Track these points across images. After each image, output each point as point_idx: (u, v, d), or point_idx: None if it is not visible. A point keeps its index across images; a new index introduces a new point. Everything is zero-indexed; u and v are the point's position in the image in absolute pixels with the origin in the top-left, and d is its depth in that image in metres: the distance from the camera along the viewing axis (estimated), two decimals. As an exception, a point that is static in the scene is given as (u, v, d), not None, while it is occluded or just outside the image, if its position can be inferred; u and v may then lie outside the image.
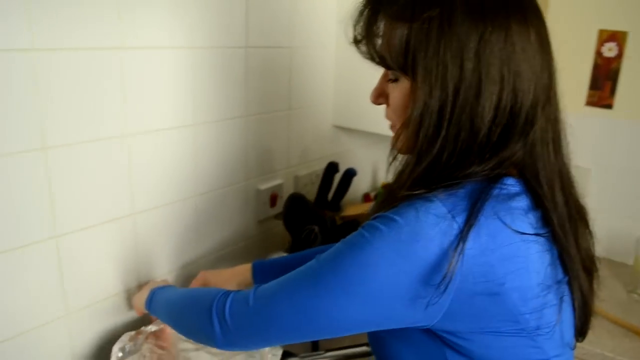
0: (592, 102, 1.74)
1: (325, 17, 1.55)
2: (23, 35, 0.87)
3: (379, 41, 0.73)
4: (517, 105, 0.68)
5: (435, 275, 0.65)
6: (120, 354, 1.02)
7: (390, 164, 0.78)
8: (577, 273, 0.76)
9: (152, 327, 1.13)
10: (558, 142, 0.75)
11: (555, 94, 0.74)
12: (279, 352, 1.06)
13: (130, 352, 1.05)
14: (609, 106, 1.72)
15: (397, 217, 0.66)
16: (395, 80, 0.74)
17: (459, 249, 0.64)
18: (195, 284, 1.14)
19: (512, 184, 0.71)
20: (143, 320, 1.18)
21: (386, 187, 1.71)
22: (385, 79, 0.78)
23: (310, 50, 1.53)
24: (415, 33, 0.68)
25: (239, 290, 0.81)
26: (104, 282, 1.11)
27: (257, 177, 1.44)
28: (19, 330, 0.97)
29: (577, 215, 0.78)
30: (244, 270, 1.14)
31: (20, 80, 0.88)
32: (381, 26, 0.73)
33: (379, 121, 1.57)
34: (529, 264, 0.69)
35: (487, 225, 0.66)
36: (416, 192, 0.68)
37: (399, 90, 0.74)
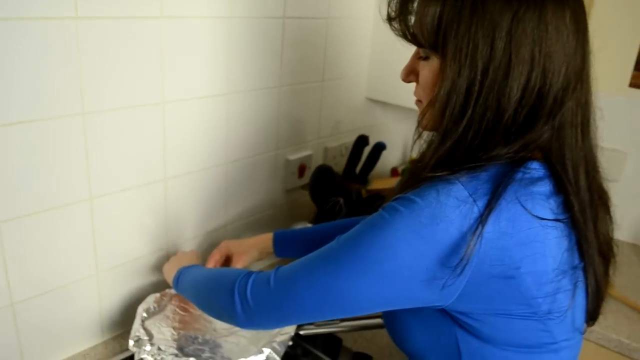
0: (636, 83, 1.69)
1: (364, -12, 1.53)
2: (67, 4, 0.89)
3: (412, 19, 0.74)
4: (545, 87, 0.68)
5: (453, 258, 0.65)
6: (145, 315, 1.07)
7: (415, 141, 0.78)
8: (593, 259, 0.76)
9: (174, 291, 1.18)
10: (587, 125, 0.74)
11: (587, 77, 0.73)
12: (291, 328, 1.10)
13: (155, 313, 1.10)
14: (635, 84, 1.66)
15: (417, 199, 0.67)
16: (426, 58, 0.74)
17: (477, 232, 0.64)
18: (217, 254, 1.16)
19: (536, 168, 0.71)
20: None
21: (413, 163, 1.71)
22: (416, 57, 0.78)
23: (347, 21, 1.52)
24: (448, 11, 0.68)
25: (260, 271, 0.83)
26: (133, 244, 1.15)
27: (287, 147, 1.46)
28: (53, 285, 1.03)
29: (599, 200, 0.78)
30: (265, 239, 1.16)
31: (63, 48, 0.91)
32: (415, 4, 0.73)
33: (412, 96, 1.56)
34: (546, 250, 0.69)
35: (507, 210, 0.66)
36: (438, 174, 0.68)
37: (428, 69, 0.73)
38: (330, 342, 1.18)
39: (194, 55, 1.13)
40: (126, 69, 1.01)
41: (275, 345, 1.01)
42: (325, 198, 1.39)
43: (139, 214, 1.14)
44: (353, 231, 0.73)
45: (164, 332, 1.04)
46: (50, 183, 0.96)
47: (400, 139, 1.94)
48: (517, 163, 0.69)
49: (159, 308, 1.11)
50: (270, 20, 1.27)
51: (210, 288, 0.90)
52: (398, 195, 0.70)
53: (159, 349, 0.97)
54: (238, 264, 1.15)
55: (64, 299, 1.06)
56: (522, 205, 0.67)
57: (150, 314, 1.09)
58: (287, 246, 1.17)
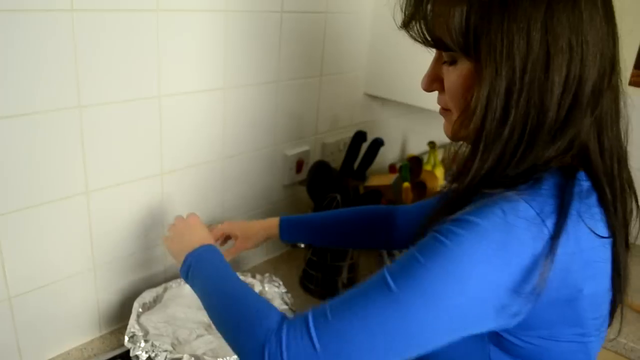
0: (636, 81, 1.68)
1: (363, -17, 1.53)
2: (62, -4, 0.89)
3: (433, 22, 0.67)
4: (585, 76, 0.64)
5: (526, 284, 0.61)
6: (140, 310, 1.07)
7: (453, 158, 0.72)
8: (621, 254, 0.71)
9: (172, 284, 1.18)
10: (618, 113, 0.71)
11: (618, 63, 0.69)
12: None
13: (150, 307, 1.10)
14: (635, 83, 1.66)
15: (480, 221, 0.61)
16: (453, 62, 0.69)
17: (550, 255, 0.60)
18: (216, 234, 1.13)
19: (584, 179, 0.68)
20: (165, 277, 1.23)
21: (412, 159, 1.71)
22: (438, 63, 0.72)
23: (345, 16, 1.51)
24: (476, 9, 0.63)
25: (291, 320, 0.69)
26: (130, 239, 1.15)
27: (285, 143, 1.46)
28: (51, 279, 1.03)
29: (629, 190, 0.74)
30: (272, 224, 1.14)
31: (59, 40, 0.90)
32: (434, 6, 0.67)
33: (411, 91, 1.57)
34: (605, 268, 0.67)
35: (573, 229, 0.63)
36: (497, 191, 0.63)
37: (457, 74, 0.68)
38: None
39: (190, 49, 1.12)
40: (122, 62, 1.01)
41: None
42: (323, 194, 1.39)
43: (136, 208, 1.14)
44: (408, 263, 0.64)
45: (159, 327, 1.04)
46: (46, 177, 0.96)
47: (399, 135, 1.93)
48: (569, 173, 0.66)
49: (155, 302, 1.11)
50: (268, 14, 1.26)
51: (231, 317, 0.77)
52: (454, 217, 0.64)
53: (154, 345, 0.97)
54: (242, 247, 1.14)
55: (61, 293, 1.05)
56: (584, 223, 0.64)
57: (146, 308, 1.09)
58: (293, 231, 1.16)
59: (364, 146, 1.55)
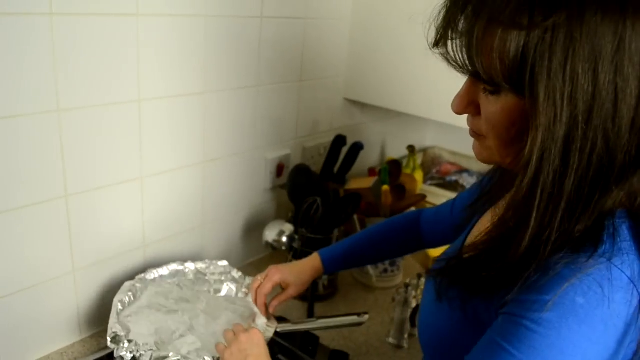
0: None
1: (342, -10, 1.55)
2: (42, 0, 0.89)
3: (479, 48, 0.58)
4: None
5: (621, 352, 0.58)
6: (120, 307, 1.07)
7: (491, 178, 0.69)
8: None
9: (152, 274, 1.18)
10: None
11: None
12: (274, 324, 1.10)
13: (131, 304, 1.09)
14: None
15: (577, 298, 0.55)
16: (495, 92, 0.60)
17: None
18: (269, 285, 1.12)
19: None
20: (144, 269, 1.23)
21: (391, 163, 1.73)
22: (475, 86, 0.64)
23: (325, 22, 1.53)
24: (535, 43, 0.54)
25: None
26: (110, 242, 1.15)
27: (265, 147, 1.47)
28: (30, 283, 1.03)
29: None
30: (315, 263, 1.14)
31: (37, 43, 0.91)
32: (485, 29, 0.57)
33: (390, 96, 1.59)
34: None
35: None
36: (578, 259, 0.57)
37: (500, 106, 0.60)
38: (307, 340, 1.19)
39: (170, 54, 1.13)
40: (102, 66, 1.01)
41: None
42: (303, 197, 1.40)
43: (116, 211, 1.14)
44: (495, 356, 0.59)
45: (141, 325, 1.04)
46: (25, 180, 0.96)
47: (378, 140, 1.96)
48: (634, 216, 0.62)
49: (135, 297, 1.11)
50: (247, 19, 1.28)
51: None
52: (535, 297, 0.57)
53: (137, 344, 0.97)
54: (295, 294, 1.15)
55: (40, 297, 1.05)
56: None
57: (126, 305, 1.08)
58: (335, 264, 1.17)
59: (344, 150, 1.57)
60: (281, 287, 1.14)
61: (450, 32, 0.60)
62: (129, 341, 0.98)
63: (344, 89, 1.69)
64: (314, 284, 1.38)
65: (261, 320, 1.09)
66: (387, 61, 1.55)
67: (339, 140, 1.54)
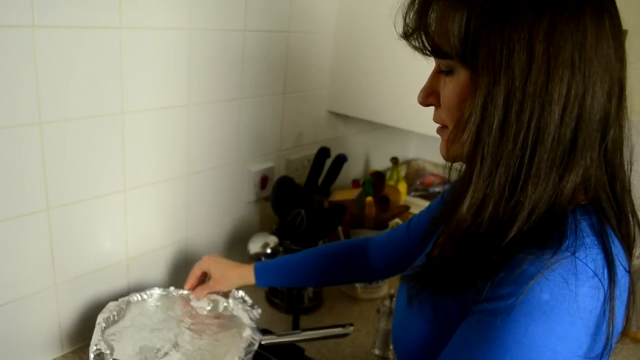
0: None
1: (325, 3, 1.56)
2: (25, 12, 0.89)
3: (434, 28, 0.66)
4: (587, 96, 0.60)
5: (595, 346, 0.58)
6: (104, 325, 1.05)
7: (449, 175, 0.69)
8: (635, 295, 0.69)
9: (136, 297, 1.17)
10: (623, 139, 0.67)
11: (624, 86, 0.65)
12: (258, 334, 1.10)
13: (114, 322, 1.08)
14: None
15: (542, 295, 0.57)
16: (450, 72, 0.66)
17: (612, 308, 0.58)
18: (198, 270, 1.18)
19: (603, 216, 0.65)
20: (128, 290, 1.22)
21: (375, 174, 1.74)
22: (436, 76, 0.70)
23: (308, 35, 1.54)
24: (477, 15, 0.60)
25: None
26: (92, 256, 1.14)
27: (249, 159, 1.47)
28: (10, 297, 1.01)
29: (633, 218, 0.70)
30: (247, 272, 1.16)
31: (19, 56, 0.90)
32: (435, 14, 0.65)
33: (374, 109, 1.61)
34: (625, 300, 0.65)
35: (617, 275, 0.60)
36: (543, 254, 0.59)
37: (454, 84, 0.65)
38: (292, 352, 1.18)
39: (154, 66, 1.14)
40: (85, 79, 1.01)
41: (242, 356, 1.01)
42: (287, 209, 1.40)
43: (98, 225, 1.13)
44: (466, 351, 0.61)
45: (124, 344, 1.03)
46: (6, 193, 0.95)
47: (362, 152, 1.97)
48: (595, 213, 0.64)
49: (119, 316, 1.10)
50: (230, 32, 1.29)
51: None
52: (502, 292, 0.59)
53: None
54: (215, 288, 1.18)
55: (21, 312, 1.04)
56: (621, 265, 0.62)
57: (110, 323, 1.07)
58: (269, 276, 1.18)
59: (328, 162, 1.57)
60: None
61: (411, 22, 0.68)
62: (113, 359, 0.97)
63: (328, 102, 1.70)
64: (300, 296, 1.38)
65: (247, 333, 1.09)
66: (370, 74, 1.57)
67: (323, 152, 1.54)
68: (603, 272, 0.59)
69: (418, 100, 0.72)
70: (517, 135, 0.60)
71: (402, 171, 2.05)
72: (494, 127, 0.60)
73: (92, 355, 0.97)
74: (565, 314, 0.56)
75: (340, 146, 1.81)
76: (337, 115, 1.74)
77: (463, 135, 0.63)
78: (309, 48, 1.56)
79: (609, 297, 0.58)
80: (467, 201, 0.63)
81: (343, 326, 1.09)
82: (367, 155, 2.00)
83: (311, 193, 1.54)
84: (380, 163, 2.05)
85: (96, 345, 0.99)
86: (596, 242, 0.61)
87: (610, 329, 0.59)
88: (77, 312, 1.15)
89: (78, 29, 0.97)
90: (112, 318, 1.08)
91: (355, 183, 1.79)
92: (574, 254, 0.58)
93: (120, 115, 1.09)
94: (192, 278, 1.19)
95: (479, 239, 0.64)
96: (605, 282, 0.59)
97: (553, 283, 0.57)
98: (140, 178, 1.18)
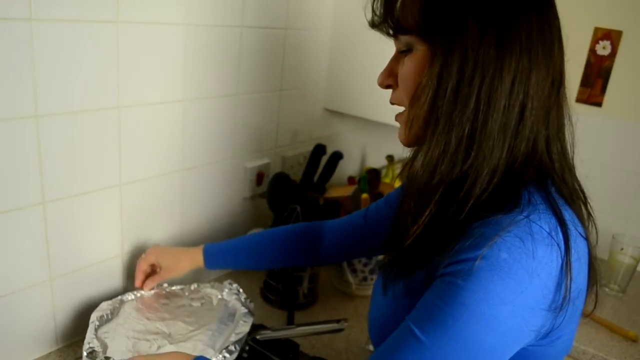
0: (582, 99, 1.77)
1: (321, 0, 1.57)
2: (22, 6, 0.89)
3: (397, 8, 0.71)
4: (533, 75, 0.66)
5: (555, 302, 0.62)
6: (97, 323, 1.05)
7: (408, 164, 0.72)
8: (597, 260, 0.74)
9: (130, 296, 1.17)
10: (562, 126, 0.73)
11: (564, 77, 0.72)
12: (250, 320, 1.10)
13: (108, 321, 1.09)
14: (598, 104, 1.75)
15: (500, 254, 0.60)
16: (409, 50, 0.71)
17: (568, 268, 0.62)
18: (144, 264, 1.18)
19: (550, 185, 0.69)
20: (123, 289, 1.22)
21: (370, 172, 1.74)
22: (396, 59, 0.75)
23: (305, 32, 1.55)
24: None
25: None
26: (88, 250, 1.14)
27: (245, 155, 1.48)
28: (5, 291, 1.01)
29: (580, 200, 0.75)
30: (195, 254, 1.17)
31: (16, 49, 0.90)
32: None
33: (370, 106, 1.61)
34: (586, 264, 0.69)
35: (573, 237, 0.64)
36: (497, 216, 0.63)
37: (412, 60, 0.70)
38: (287, 347, 1.19)
39: (150, 61, 1.14)
40: (81, 73, 1.01)
41: (231, 348, 1.01)
42: (283, 205, 1.41)
43: (94, 219, 1.13)
44: (432, 313, 0.64)
45: (118, 341, 1.03)
46: (1, 186, 0.95)
47: (358, 150, 1.97)
48: (542, 184, 0.68)
49: (112, 315, 1.10)
50: (228, 28, 1.29)
51: None
52: (463, 257, 0.63)
53: None
54: (165, 277, 1.18)
55: (15, 306, 1.04)
56: (575, 229, 0.66)
57: (104, 321, 1.07)
58: (218, 259, 1.18)
59: (324, 159, 1.58)
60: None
61: (378, 8, 0.74)
62: (106, 358, 0.97)
63: (324, 99, 1.71)
64: (294, 292, 1.38)
65: (238, 317, 1.09)
66: (366, 72, 1.57)
67: (319, 149, 1.55)
68: (557, 233, 0.63)
69: (377, 82, 0.77)
70: (469, 99, 0.65)
71: (398, 169, 2.06)
72: (448, 92, 0.65)
73: (84, 353, 0.97)
74: (523, 271, 0.60)
75: (336, 143, 1.81)
76: (333, 112, 1.75)
77: (419, 101, 0.68)
78: (305, 45, 1.57)
79: (566, 256, 0.62)
80: (420, 158, 0.68)
81: (338, 321, 1.09)
82: (362, 152, 2.01)
83: (307, 190, 1.55)
84: (376, 161, 2.05)
85: (89, 343, 0.99)
86: (548, 208, 0.65)
87: (569, 285, 0.62)
88: (72, 307, 1.15)
89: (75, 23, 0.97)
90: (105, 316, 1.09)
91: (351, 180, 1.79)
92: (528, 217, 0.62)
93: (116, 109, 1.10)
94: (140, 274, 1.18)
95: (442, 204, 0.69)
96: (561, 243, 0.62)
97: (510, 243, 0.60)
98: (136, 173, 1.19)
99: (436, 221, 0.71)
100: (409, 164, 0.71)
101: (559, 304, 0.63)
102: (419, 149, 0.69)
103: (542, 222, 0.62)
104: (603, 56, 1.73)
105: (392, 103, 0.77)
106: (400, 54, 0.73)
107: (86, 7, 0.98)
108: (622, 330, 1.40)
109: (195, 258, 1.17)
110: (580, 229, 0.68)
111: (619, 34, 1.69)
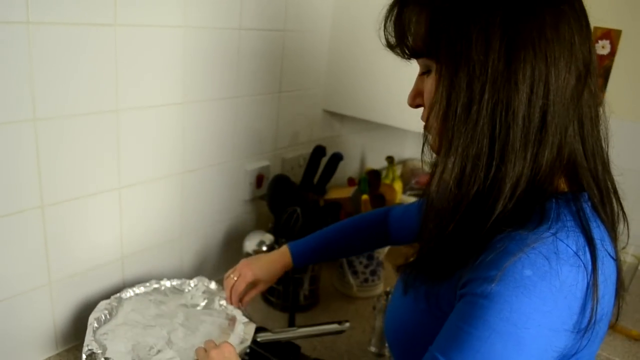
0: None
1: (321, 1, 1.56)
2: (19, 9, 0.89)
3: (407, 34, 0.71)
4: (551, 75, 0.63)
5: (581, 323, 0.61)
6: (96, 325, 1.05)
7: (435, 172, 0.71)
8: (623, 282, 0.72)
9: (128, 293, 1.17)
10: (597, 118, 0.70)
11: (595, 68, 0.68)
12: (251, 329, 1.10)
13: (107, 322, 1.08)
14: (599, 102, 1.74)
15: (524, 270, 0.59)
16: (428, 72, 0.71)
17: (595, 289, 0.60)
18: (242, 285, 1.15)
19: (586, 201, 0.67)
20: (122, 280, 1.21)
21: (370, 173, 1.74)
22: (420, 78, 0.75)
23: (304, 34, 1.55)
24: (438, 13, 0.66)
25: None
26: (87, 254, 1.14)
27: (245, 158, 1.47)
28: (4, 295, 1.01)
29: (614, 195, 0.73)
30: (284, 256, 1.17)
31: (14, 52, 0.90)
32: (407, 19, 0.71)
33: (369, 108, 1.61)
34: (614, 286, 0.68)
35: (601, 257, 0.63)
36: (519, 231, 0.62)
37: (431, 81, 0.70)
38: (288, 349, 1.18)
39: (149, 64, 1.13)
40: (79, 76, 1.01)
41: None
42: (283, 207, 1.40)
43: (93, 222, 1.13)
44: (456, 337, 0.62)
45: (117, 343, 1.02)
46: (0, 190, 0.95)
47: (358, 151, 1.97)
48: (574, 198, 0.66)
49: (111, 316, 1.10)
50: (226, 31, 1.29)
51: None
52: (486, 274, 0.61)
53: None
54: (265, 288, 1.19)
55: (15, 310, 1.03)
56: (604, 249, 0.65)
57: (102, 323, 1.07)
58: (304, 257, 1.19)
59: (324, 161, 1.57)
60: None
61: (390, 31, 0.73)
62: (106, 358, 0.96)
63: (323, 101, 1.70)
64: (295, 294, 1.38)
65: (239, 328, 1.09)
66: (366, 73, 1.57)
67: (319, 150, 1.54)
68: (585, 253, 0.61)
69: (408, 103, 0.77)
70: (480, 115, 0.63)
71: (398, 170, 2.05)
72: (458, 110, 0.64)
73: (84, 356, 0.97)
74: (547, 291, 0.58)
75: (336, 145, 1.81)
76: (333, 114, 1.74)
77: (435, 121, 0.67)
78: (304, 47, 1.57)
79: (592, 277, 0.60)
80: (437, 176, 0.68)
81: (339, 323, 1.09)
82: (362, 154, 2.00)
83: (307, 191, 1.54)
84: (376, 162, 2.05)
85: (88, 345, 0.98)
86: (577, 226, 0.63)
87: (594, 307, 0.60)
88: (72, 311, 1.14)
89: (72, 26, 0.97)
90: (104, 317, 1.08)
91: (351, 181, 1.79)
92: (555, 234, 0.60)
93: (115, 112, 1.09)
94: (237, 296, 1.16)
95: (465, 218, 0.67)
96: (588, 263, 0.61)
97: (534, 260, 0.59)
98: (135, 176, 1.18)
99: (458, 235, 0.69)
100: (429, 182, 0.71)
101: (583, 326, 0.61)
102: (437, 167, 0.69)
103: (570, 241, 0.61)
104: (602, 55, 1.73)
105: (422, 120, 0.75)
106: (423, 74, 0.74)
107: (84, 10, 0.98)
108: (625, 329, 1.39)
109: (285, 261, 1.17)
110: (610, 248, 0.66)
111: (618, 33, 1.68)
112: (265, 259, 1.19)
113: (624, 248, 1.49)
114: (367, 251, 1.41)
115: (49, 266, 1.07)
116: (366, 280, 1.49)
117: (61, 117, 1.00)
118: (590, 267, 0.61)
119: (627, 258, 1.53)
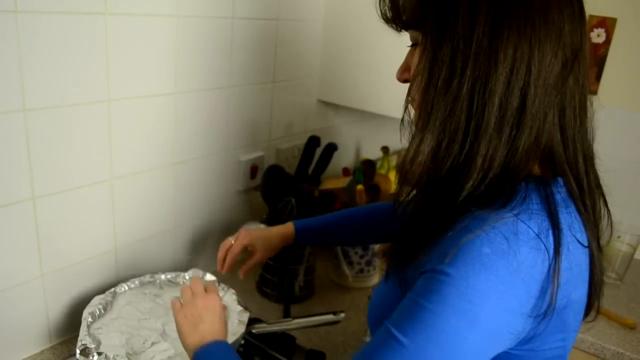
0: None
1: (314, -9, 1.55)
2: (6, -3, 0.87)
3: (400, 5, 0.71)
4: (535, 57, 0.62)
5: (539, 307, 0.61)
6: (90, 320, 1.04)
7: (411, 143, 0.69)
8: (596, 251, 0.71)
9: (122, 287, 1.16)
10: (584, 109, 0.69)
11: (584, 58, 0.66)
12: (245, 317, 1.10)
13: (101, 316, 1.07)
14: (593, 92, 1.74)
15: (483, 248, 0.58)
16: (415, 44, 0.71)
17: (556, 274, 0.60)
18: (239, 247, 1.15)
19: (560, 186, 0.67)
20: (117, 281, 1.20)
21: (365, 163, 1.73)
22: (410, 53, 0.75)
23: (297, 23, 1.53)
24: None
25: None
26: (80, 246, 1.13)
27: (239, 148, 1.46)
28: (-5, 287, 1.00)
29: (597, 190, 0.73)
30: (288, 232, 1.17)
31: (2, 41, 0.89)
32: None
33: (364, 98, 1.60)
34: (586, 274, 0.67)
35: (565, 243, 0.62)
36: (483, 211, 0.61)
37: (416, 54, 0.70)
38: (283, 340, 1.18)
39: (140, 53, 1.12)
40: (69, 66, 0.99)
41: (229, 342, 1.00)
42: (277, 198, 1.39)
43: (85, 214, 1.12)
44: (411, 311, 0.62)
45: (111, 337, 1.02)
46: (-10, 182, 0.94)
47: (352, 141, 1.96)
48: (545, 182, 0.65)
49: (105, 310, 1.09)
50: (219, 20, 1.27)
51: None
52: (442, 250, 0.61)
53: (107, 357, 0.95)
54: (263, 259, 1.18)
55: (7, 303, 1.02)
56: (573, 235, 0.64)
57: (96, 317, 1.06)
58: (307, 235, 1.19)
59: (318, 151, 1.56)
60: (249, 252, 1.18)
61: (385, 3, 0.73)
62: (99, 353, 0.95)
63: (318, 91, 1.69)
64: (290, 285, 1.38)
65: (234, 317, 1.08)
66: (360, 63, 1.56)
67: (313, 141, 1.53)
68: (547, 237, 0.60)
69: (396, 77, 0.76)
70: (460, 90, 0.63)
71: (393, 160, 2.05)
72: (439, 83, 0.64)
73: (78, 351, 0.96)
74: (504, 270, 0.58)
75: (331, 135, 1.80)
76: (328, 104, 1.73)
77: (416, 92, 0.67)
78: (298, 36, 1.55)
79: (555, 261, 0.60)
80: (413, 149, 0.67)
81: (334, 313, 1.08)
82: (357, 144, 1.99)
83: (301, 182, 1.53)
84: (371, 152, 2.04)
85: (82, 340, 0.98)
86: (544, 209, 0.62)
87: (554, 292, 0.60)
88: (66, 303, 1.14)
89: (62, 15, 0.96)
90: (98, 312, 1.07)
91: (346, 171, 1.78)
92: (517, 215, 0.60)
93: (106, 102, 1.08)
94: (231, 258, 1.15)
95: (435, 195, 0.68)
96: (551, 247, 0.60)
97: (494, 239, 0.59)
98: (127, 167, 1.17)
99: (427, 213, 0.69)
100: (404, 154, 0.69)
101: (542, 310, 0.61)
102: (414, 140, 0.68)
103: (532, 223, 0.60)
104: (598, 44, 1.72)
105: (410, 95, 0.75)
106: (412, 48, 0.73)
107: (73, -1, 0.97)
108: (620, 317, 1.40)
109: (286, 234, 1.17)
110: (581, 236, 0.66)
111: (613, 21, 1.68)
112: (266, 230, 1.19)
113: (619, 237, 1.49)
114: (372, 242, 1.39)
115: (41, 258, 1.06)
116: (361, 270, 1.49)
117: (52, 107, 0.99)
118: (552, 251, 0.60)
119: (623, 247, 1.53)
